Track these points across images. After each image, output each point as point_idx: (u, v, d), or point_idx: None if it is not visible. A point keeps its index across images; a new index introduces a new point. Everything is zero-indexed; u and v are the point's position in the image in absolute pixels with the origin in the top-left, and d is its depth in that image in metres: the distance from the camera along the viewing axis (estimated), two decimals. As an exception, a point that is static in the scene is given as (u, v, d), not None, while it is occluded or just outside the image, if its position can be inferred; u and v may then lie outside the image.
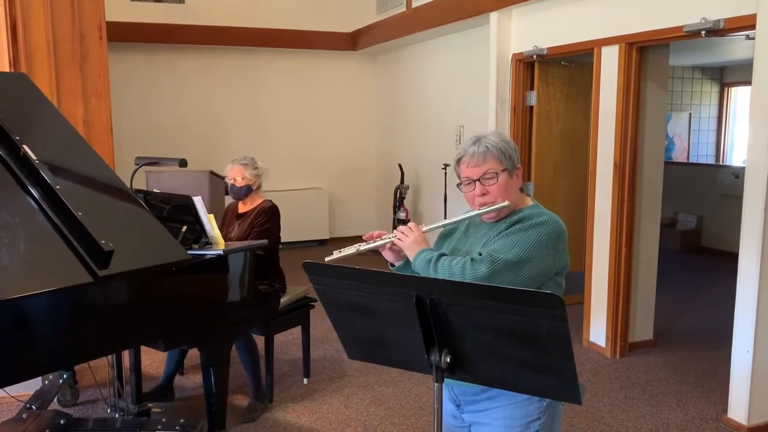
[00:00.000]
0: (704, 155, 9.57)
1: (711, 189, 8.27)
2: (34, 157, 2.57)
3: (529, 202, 2.00)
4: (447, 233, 2.11)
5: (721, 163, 9.50)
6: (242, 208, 3.92)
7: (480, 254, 1.84)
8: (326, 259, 1.88)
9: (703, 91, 9.42)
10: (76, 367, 3.85)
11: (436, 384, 1.63)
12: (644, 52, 4.41)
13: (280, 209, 3.89)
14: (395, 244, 1.99)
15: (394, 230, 2.01)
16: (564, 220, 1.96)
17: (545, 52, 5.06)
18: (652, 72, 4.53)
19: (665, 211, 5.48)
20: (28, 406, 3.32)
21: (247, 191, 3.84)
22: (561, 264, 1.89)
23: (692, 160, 9.41)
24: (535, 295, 1.46)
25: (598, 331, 4.73)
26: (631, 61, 4.34)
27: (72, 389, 3.83)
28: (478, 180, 1.90)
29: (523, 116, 5.49)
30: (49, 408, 3.39)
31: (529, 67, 5.42)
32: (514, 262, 1.80)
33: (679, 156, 9.38)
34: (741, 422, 3.55)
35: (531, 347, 1.50)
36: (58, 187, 2.50)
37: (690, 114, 9.40)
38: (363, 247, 1.99)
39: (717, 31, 3.66)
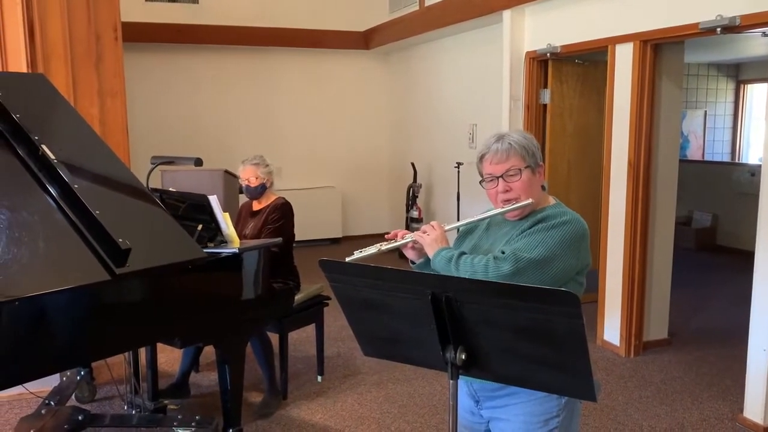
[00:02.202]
0: (719, 153, 9.48)
1: (726, 187, 8.20)
2: (52, 156, 2.60)
3: (551, 200, 2.00)
4: (467, 231, 2.11)
5: (736, 160, 9.40)
6: (256, 206, 3.95)
7: (503, 252, 1.84)
8: (347, 259, 1.86)
9: (719, 88, 9.33)
10: (94, 364, 3.89)
11: (451, 381, 1.63)
12: (659, 49, 4.39)
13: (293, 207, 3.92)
14: (417, 242, 1.99)
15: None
16: (579, 219, 1.95)
17: (559, 50, 5.04)
18: (666, 69, 4.50)
19: (680, 209, 5.44)
20: (46, 402, 3.36)
21: (262, 190, 3.88)
22: (583, 263, 1.90)
23: (707, 157, 9.33)
24: (550, 293, 1.46)
25: (612, 329, 4.71)
26: (646, 59, 4.31)
27: (89, 386, 3.88)
28: (501, 177, 1.90)
29: (536, 114, 5.48)
30: (67, 404, 3.44)
31: (543, 65, 5.41)
32: (538, 261, 1.80)
33: (694, 154, 9.31)
34: (757, 422, 3.53)
35: (546, 344, 1.50)
36: (76, 186, 2.53)
37: (705, 111, 9.31)
38: (385, 246, 1.97)
39: (733, 28, 3.63)
